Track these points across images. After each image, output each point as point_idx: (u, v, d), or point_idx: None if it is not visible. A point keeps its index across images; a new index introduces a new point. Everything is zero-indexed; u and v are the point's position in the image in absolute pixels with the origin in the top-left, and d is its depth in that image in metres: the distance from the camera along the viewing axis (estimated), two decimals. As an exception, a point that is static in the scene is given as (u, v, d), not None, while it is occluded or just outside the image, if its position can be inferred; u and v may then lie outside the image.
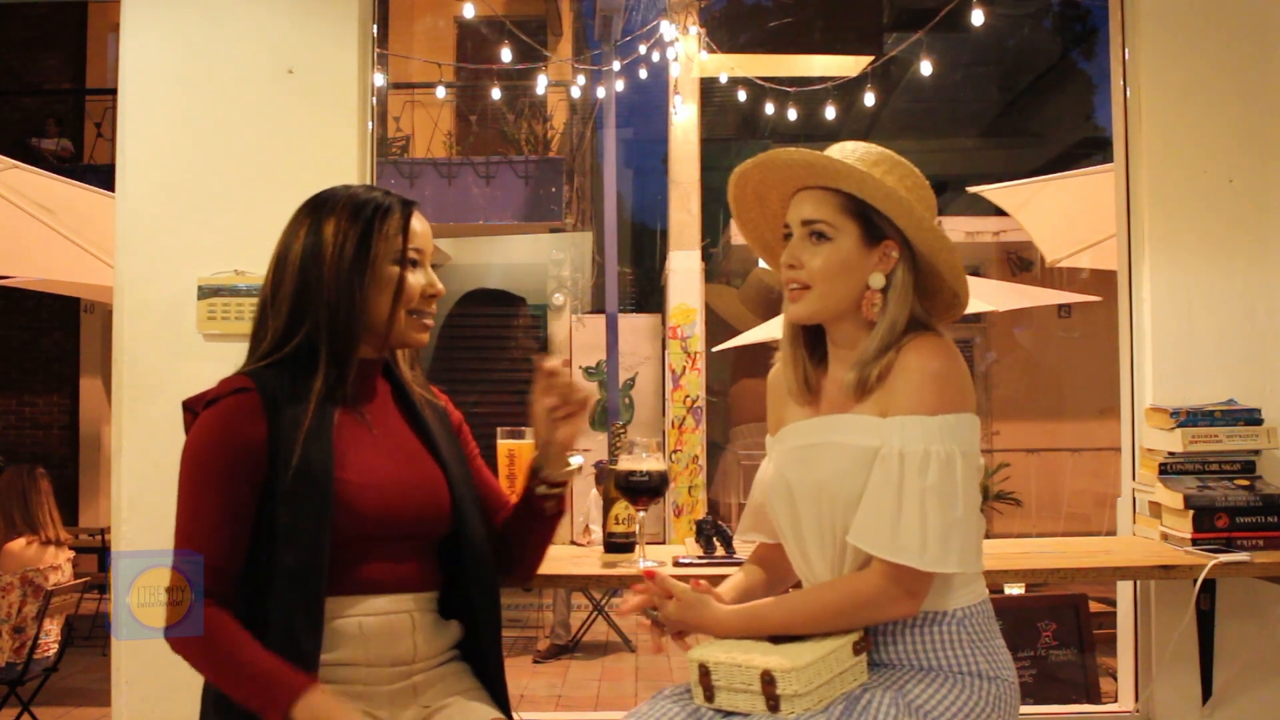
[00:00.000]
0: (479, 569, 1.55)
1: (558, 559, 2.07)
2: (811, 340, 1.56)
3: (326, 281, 1.45)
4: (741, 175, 1.55)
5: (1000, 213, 6.30)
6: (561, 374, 1.56)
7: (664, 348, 8.54)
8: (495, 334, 9.38)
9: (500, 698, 1.55)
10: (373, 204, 1.50)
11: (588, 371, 8.86)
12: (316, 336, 1.45)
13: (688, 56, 8.11)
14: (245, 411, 1.41)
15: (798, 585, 1.60)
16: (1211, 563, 2.04)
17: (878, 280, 1.45)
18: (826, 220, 1.46)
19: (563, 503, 1.67)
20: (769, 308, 6.26)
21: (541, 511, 1.66)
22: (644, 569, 1.74)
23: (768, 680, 1.31)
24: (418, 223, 1.53)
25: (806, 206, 1.48)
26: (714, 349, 7.88)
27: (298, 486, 1.38)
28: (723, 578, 1.67)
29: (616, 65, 7.85)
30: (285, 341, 1.46)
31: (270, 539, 1.38)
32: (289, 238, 1.50)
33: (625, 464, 1.91)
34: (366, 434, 1.50)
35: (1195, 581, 2.12)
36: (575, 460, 1.66)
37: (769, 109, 8.14)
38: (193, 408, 1.46)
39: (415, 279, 1.51)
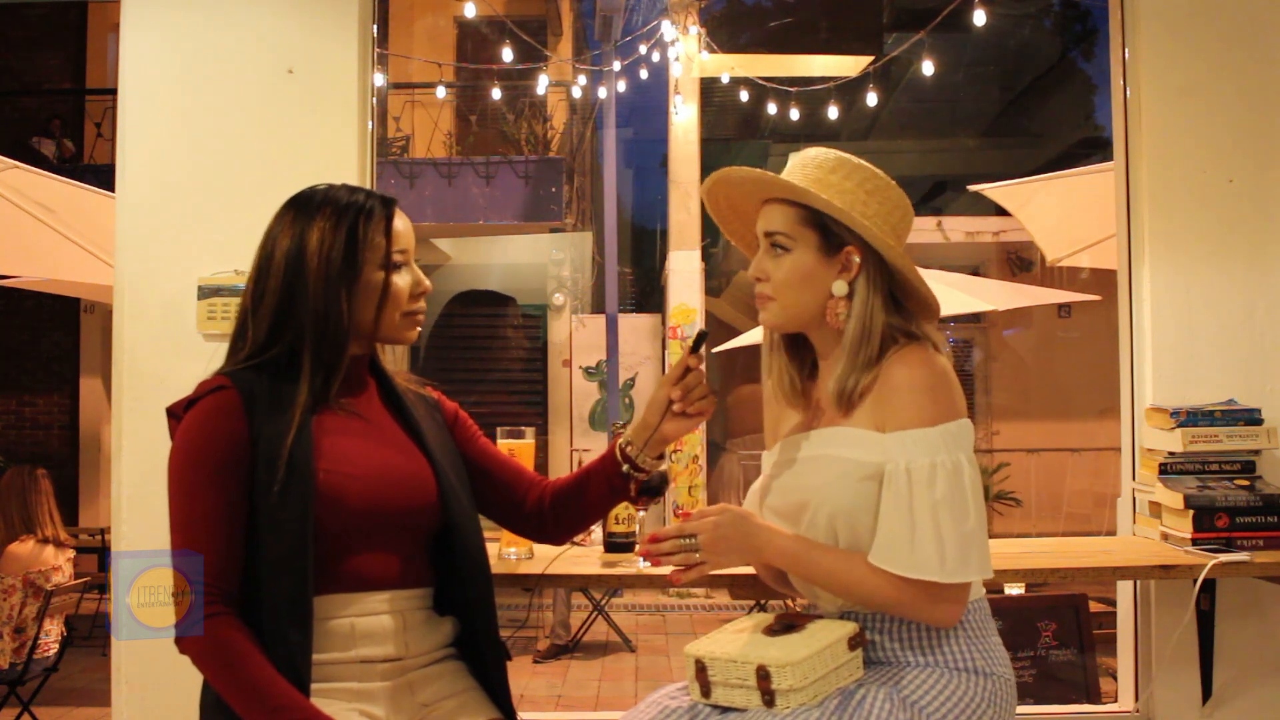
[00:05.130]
0: (471, 564, 1.54)
1: (558, 558, 2.06)
2: (798, 347, 1.57)
3: (312, 293, 1.44)
4: (708, 193, 1.58)
5: (1000, 212, 6.31)
6: (698, 373, 1.56)
7: (664, 348, 8.55)
8: (489, 335, 9.38)
9: (500, 696, 1.54)
10: (354, 208, 1.48)
11: (588, 371, 8.86)
12: (299, 345, 1.45)
13: (688, 56, 8.11)
14: (226, 409, 1.41)
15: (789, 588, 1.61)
16: (1211, 563, 2.04)
17: (840, 288, 1.46)
18: (784, 232, 1.48)
19: (632, 490, 1.64)
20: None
21: (612, 490, 1.63)
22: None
23: (763, 675, 1.32)
24: (399, 222, 1.52)
25: (767, 219, 1.51)
26: (713, 350, 7.88)
27: (278, 480, 1.38)
28: (724, 577, 1.66)
29: (617, 65, 7.85)
30: (264, 351, 1.46)
31: (254, 533, 1.38)
32: (270, 246, 1.48)
33: (625, 464, 1.90)
34: (351, 426, 1.50)
35: (1195, 581, 2.12)
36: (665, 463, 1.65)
37: (770, 109, 8.15)
38: (175, 413, 1.46)
39: (402, 280, 1.51)
